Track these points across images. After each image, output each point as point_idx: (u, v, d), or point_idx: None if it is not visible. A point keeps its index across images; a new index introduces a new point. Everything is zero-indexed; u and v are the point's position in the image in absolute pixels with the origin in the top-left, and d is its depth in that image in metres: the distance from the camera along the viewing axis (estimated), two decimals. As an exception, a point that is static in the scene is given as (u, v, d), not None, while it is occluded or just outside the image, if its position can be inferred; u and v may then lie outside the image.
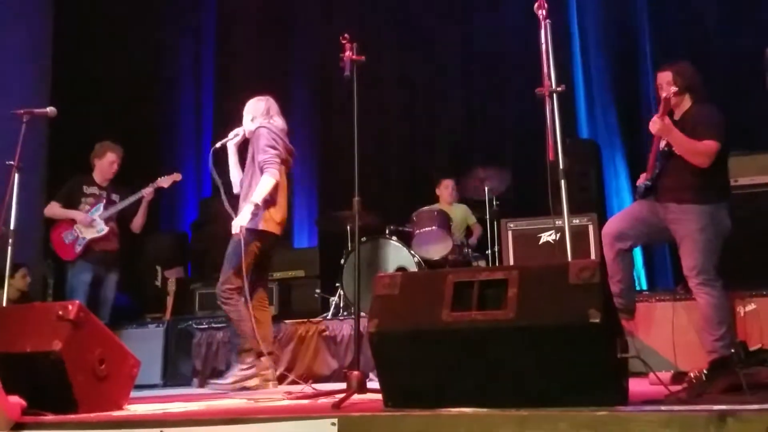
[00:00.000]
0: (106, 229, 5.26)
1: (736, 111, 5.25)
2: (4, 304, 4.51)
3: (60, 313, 2.95)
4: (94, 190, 5.37)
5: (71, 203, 5.31)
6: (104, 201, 5.34)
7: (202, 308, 6.09)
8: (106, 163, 5.38)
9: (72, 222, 5.25)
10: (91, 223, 5.22)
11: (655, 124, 3.70)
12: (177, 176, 5.41)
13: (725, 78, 6.02)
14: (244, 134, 4.50)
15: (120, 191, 5.41)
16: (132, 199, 5.30)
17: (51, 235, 5.33)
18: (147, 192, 5.29)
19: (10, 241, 4.29)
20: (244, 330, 4.18)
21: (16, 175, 4.37)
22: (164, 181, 5.36)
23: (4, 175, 4.40)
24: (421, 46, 7.58)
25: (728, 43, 6.23)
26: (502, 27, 7.11)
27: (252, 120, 4.50)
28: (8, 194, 4.32)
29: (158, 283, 6.87)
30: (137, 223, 5.40)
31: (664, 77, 3.79)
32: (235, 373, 4.17)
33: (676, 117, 3.83)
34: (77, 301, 3.06)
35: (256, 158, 4.30)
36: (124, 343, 3.33)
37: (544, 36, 3.38)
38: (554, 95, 3.33)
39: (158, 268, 7.04)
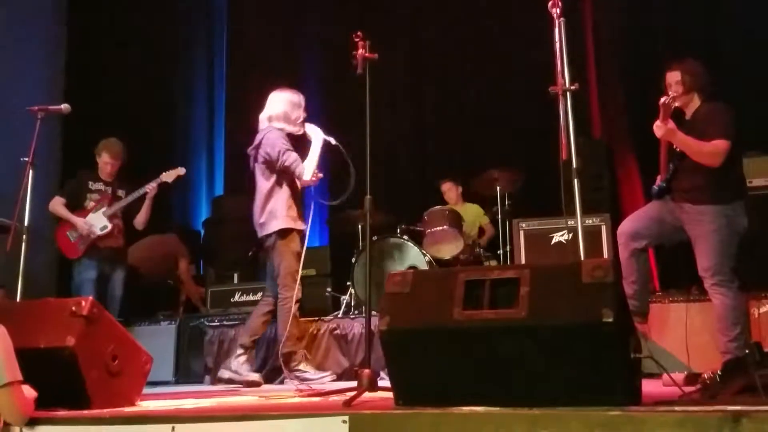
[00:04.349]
0: (109, 227, 5.22)
1: (751, 112, 5.21)
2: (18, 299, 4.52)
3: (73, 308, 2.96)
4: (99, 186, 5.35)
5: (76, 200, 5.28)
6: (109, 198, 5.31)
7: (214, 306, 6.11)
8: (102, 163, 5.37)
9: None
10: (89, 231, 5.17)
11: (659, 129, 3.68)
12: (181, 170, 5.36)
13: (741, 78, 5.97)
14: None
15: (126, 186, 5.38)
16: (135, 195, 5.27)
17: (56, 233, 5.30)
18: (150, 188, 5.24)
19: (24, 237, 4.32)
20: None
21: (30, 172, 4.39)
22: (168, 176, 5.31)
23: (19, 172, 4.43)
24: (433, 44, 7.57)
25: (744, 42, 6.18)
26: (514, 24, 7.08)
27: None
28: (22, 191, 4.35)
29: (171, 280, 6.90)
30: (140, 219, 5.37)
31: (673, 76, 3.78)
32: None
33: (687, 116, 3.82)
34: (90, 297, 3.08)
35: None
36: (137, 340, 3.34)
37: (558, 34, 3.36)
38: (567, 94, 3.31)
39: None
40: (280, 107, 4.57)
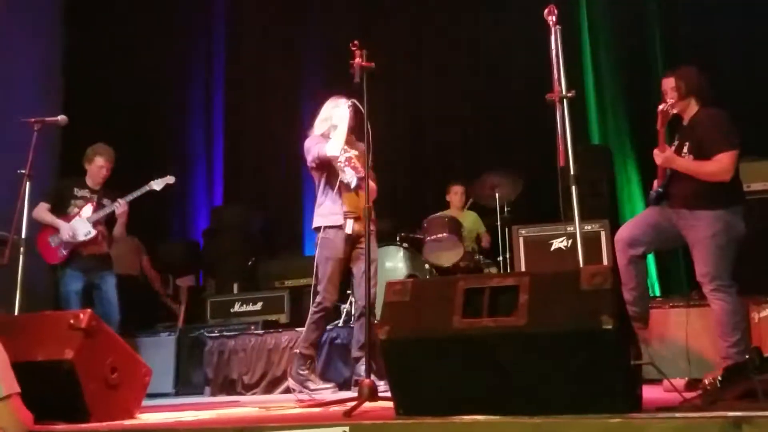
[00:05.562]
0: (93, 233, 5.09)
1: (748, 116, 5.23)
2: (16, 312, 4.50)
3: (72, 321, 2.96)
4: (85, 193, 5.21)
5: (60, 206, 5.15)
6: (94, 203, 5.18)
7: (214, 316, 6.10)
8: (95, 168, 5.23)
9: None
10: (72, 236, 5.04)
11: (658, 157, 3.69)
12: (170, 179, 5.26)
13: (737, 82, 5.99)
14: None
15: (111, 196, 5.23)
16: (108, 210, 5.13)
17: (37, 238, 5.12)
18: (117, 207, 5.09)
19: (22, 249, 4.30)
20: None
21: (28, 183, 4.38)
22: (157, 184, 5.20)
23: (16, 184, 4.42)
24: (432, 50, 7.59)
25: (740, 46, 6.21)
26: (512, 32, 7.10)
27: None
28: (20, 203, 4.33)
29: (170, 291, 6.90)
30: (116, 231, 5.23)
31: (668, 83, 3.77)
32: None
33: (685, 122, 3.81)
34: (89, 310, 3.06)
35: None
36: (136, 351, 3.34)
37: (554, 42, 3.37)
38: (564, 101, 3.32)
39: (170, 277, 7.07)
40: (322, 115, 4.53)
